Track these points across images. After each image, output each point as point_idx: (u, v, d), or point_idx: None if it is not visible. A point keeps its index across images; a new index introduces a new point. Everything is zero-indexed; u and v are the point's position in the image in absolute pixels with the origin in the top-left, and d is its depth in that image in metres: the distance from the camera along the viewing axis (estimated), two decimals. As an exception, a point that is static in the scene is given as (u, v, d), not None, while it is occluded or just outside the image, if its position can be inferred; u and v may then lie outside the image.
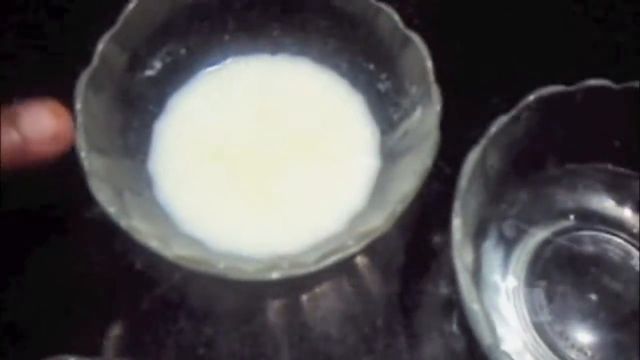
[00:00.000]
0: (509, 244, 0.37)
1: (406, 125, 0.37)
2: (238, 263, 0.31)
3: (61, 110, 0.30)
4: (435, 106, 0.34)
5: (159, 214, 0.36)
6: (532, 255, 0.37)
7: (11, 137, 0.29)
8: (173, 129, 0.39)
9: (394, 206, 0.31)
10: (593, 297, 0.37)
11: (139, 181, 0.37)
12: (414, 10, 0.47)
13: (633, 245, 0.38)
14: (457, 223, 0.31)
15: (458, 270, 0.30)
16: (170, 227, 0.36)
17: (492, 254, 0.37)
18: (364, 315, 0.38)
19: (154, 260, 0.31)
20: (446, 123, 0.34)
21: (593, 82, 0.35)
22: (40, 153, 0.29)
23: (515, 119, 0.34)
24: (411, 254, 0.39)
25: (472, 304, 0.29)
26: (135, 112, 0.38)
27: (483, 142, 0.33)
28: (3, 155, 0.28)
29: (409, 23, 0.36)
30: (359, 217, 0.36)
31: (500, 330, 0.35)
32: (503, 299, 0.36)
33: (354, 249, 0.31)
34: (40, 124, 0.29)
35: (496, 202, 0.37)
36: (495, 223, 0.37)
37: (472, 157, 0.33)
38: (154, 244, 0.31)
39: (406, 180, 0.33)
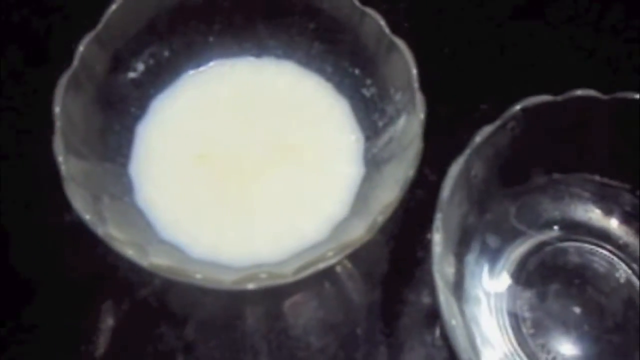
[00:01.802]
0: (492, 255, 0.37)
1: (391, 132, 0.36)
2: (215, 273, 0.30)
3: None
4: (419, 114, 0.33)
5: (138, 219, 0.36)
6: (516, 267, 0.37)
7: None
8: (155, 132, 0.38)
9: (375, 216, 0.31)
10: (576, 309, 0.36)
11: (119, 185, 0.36)
12: (403, 14, 0.46)
13: (618, 257, 0.38)
14: (437, 237, 0.30)
15: (438, 285, 0.29)
16: (149, 233, 0.35)
17: (476, 265, 0.36)
18: (344, 324, 0.38)
19: (134, 264, 0.30)
20: (432, 129, 0.33)
21: (580, 92, 0.35)
22: None
23: (500, 129, 0.34)
24: (394, 262, 0.39)
25: (451, 320, 0.29)
26: (117, 115, 0.37)
27: (467, 152, 0.33)
28: None
29: (397, 27, 0.35)
30: (341, 225, 0.36)
31: (481, 343, 0.34)
32: (485, 310, 0.36)
33: (334, 260, 0.31)
34: None
35: (480, 213, 0.36)
36: (479, 234, 0.37)
37: (455, 169, 0.32)
38: (130, 252, 0.30)
39: (388, 189, 0.32)
